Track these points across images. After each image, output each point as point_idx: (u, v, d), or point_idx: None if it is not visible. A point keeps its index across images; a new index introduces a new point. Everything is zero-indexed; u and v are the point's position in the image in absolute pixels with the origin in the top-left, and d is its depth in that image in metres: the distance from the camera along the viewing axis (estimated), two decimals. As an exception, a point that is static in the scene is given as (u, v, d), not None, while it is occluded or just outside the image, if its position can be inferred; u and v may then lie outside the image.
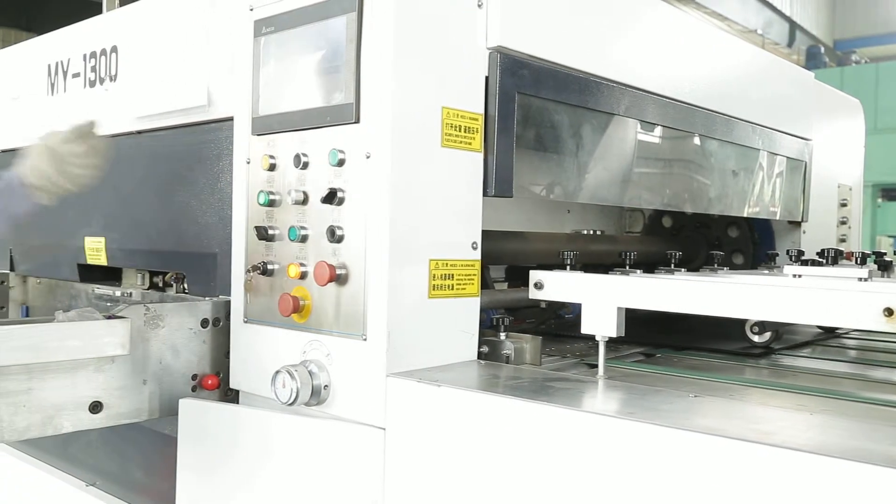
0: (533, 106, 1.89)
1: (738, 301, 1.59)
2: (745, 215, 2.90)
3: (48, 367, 1.66)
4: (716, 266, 2.61)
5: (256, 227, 1.80)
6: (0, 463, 2.78)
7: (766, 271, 2.75)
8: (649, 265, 2.48)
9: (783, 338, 2.41)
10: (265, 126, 1.82)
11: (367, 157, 1.60)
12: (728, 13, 18.02)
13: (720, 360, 2.19)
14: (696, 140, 2.54)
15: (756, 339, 2.31)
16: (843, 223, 3.61)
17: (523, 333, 1.93)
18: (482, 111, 1.76)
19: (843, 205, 3.60)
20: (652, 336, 2.39)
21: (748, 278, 2.12)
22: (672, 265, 2.41)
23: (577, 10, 1.99)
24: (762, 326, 2.29)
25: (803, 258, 2.51)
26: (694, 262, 3.19)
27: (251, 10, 1.86)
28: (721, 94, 2.57)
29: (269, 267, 1.79)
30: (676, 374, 1.95)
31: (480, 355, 1.79)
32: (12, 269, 2.93)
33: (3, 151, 2.95)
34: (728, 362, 2.17)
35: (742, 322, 2.30)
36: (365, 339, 1.60)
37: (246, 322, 1.87)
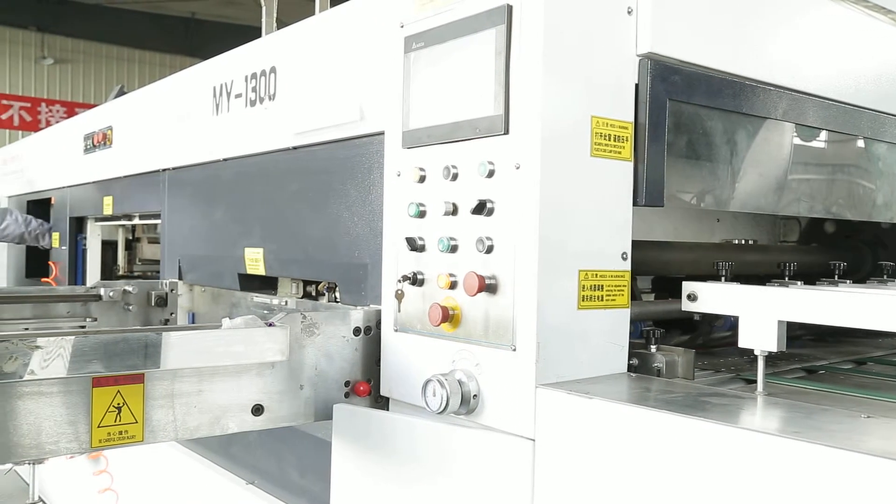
0: (684, 113, 1.84)
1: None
2: (917, 223, 2.69)
3: (216, 370, 1.76)
4: (885, 277, 2.44)
5: (407, 238, 1.84)
6: (171, 459, 2.98)
7: (944, 284, 2.54)
8: (808, 276, 2.35)
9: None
10: (415, 139, 1.87)
11: (517, 168, 1.61)
12: (893, 5, 16.83)
13: (893, 378, 2.04)
14: (861, 143, 2.39)
15: None
16: None
17: (675, 346, 1.88)
18: (632, 119, 1.72)
19: None
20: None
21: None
22: (836, 276, 2.28)
23: (730, 13, 1.92)
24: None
25: None
26: (859, 274, 2.99)
27: (401, 26, 1.91)
28: (890, 94, 2.40)
29: (419, 277, 1.83)
30: (844, 393, 1.84)
31: (630, 368, 1.75)
32: (181, 278, 3.15)
33: (175, 169, 3.18)
34: (901, 381, 2.02)
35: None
36: (514, 350, 1.61)
37: (396, 331, 1.92)
